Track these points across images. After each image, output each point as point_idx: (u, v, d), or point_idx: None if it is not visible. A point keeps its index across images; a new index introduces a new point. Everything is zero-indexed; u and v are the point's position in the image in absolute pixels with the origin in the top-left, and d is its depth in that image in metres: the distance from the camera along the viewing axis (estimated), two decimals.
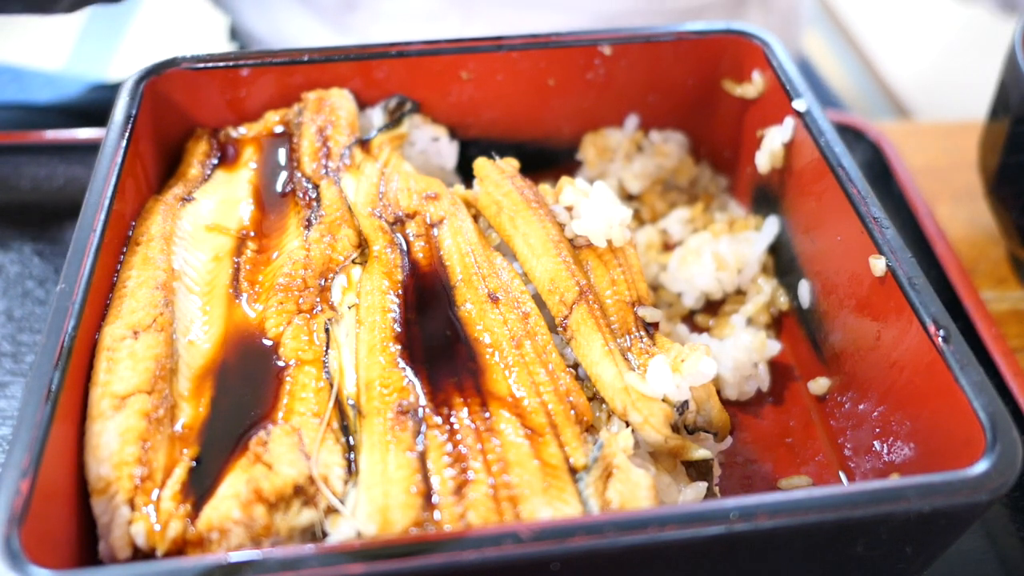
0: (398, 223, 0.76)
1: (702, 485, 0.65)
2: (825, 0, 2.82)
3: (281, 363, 0.65)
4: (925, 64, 2.56)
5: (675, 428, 0.66)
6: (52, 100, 1.26)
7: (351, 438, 0.62)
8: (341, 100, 0.84)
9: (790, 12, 1.38)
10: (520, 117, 0.91)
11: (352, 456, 0.61)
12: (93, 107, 1.20)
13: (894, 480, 0.55)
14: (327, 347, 0.66)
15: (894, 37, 2.71)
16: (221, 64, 0.83)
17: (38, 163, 1.00)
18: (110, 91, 0.78)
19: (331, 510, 0.58)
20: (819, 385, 0.78)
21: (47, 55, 2.67)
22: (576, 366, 0.70)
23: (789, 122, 0.81)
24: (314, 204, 0.77)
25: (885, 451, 0.68)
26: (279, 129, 0.84)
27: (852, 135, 1.06)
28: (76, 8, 1.04)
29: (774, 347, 0.81)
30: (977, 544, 0.72)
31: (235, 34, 1.48)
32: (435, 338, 0.67)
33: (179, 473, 0.58)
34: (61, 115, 1.21)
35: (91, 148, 0.73)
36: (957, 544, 0.60)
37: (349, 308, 0.70)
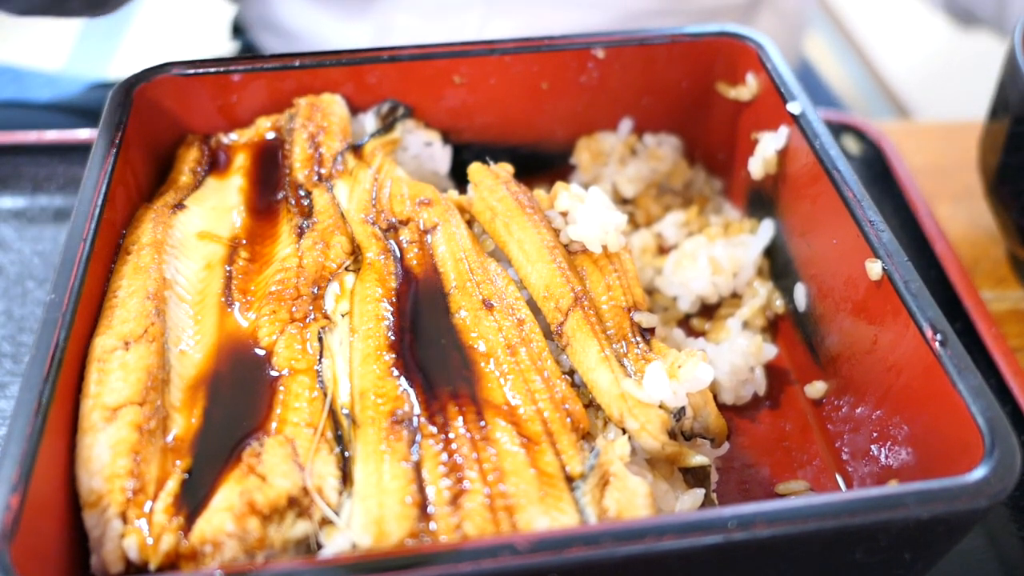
0: (391, 230, 0.75)
1: (699, 491, 0.65)
2: (825, 1, 2.82)
3: (274, 373, 0.65)
4: (925, 64, 2.56)
5: (672, 434, 0.66)
6: (52, 99, 1.25)
7: (346, 448, 0.61)
8: (333, 106, 0.84)
9: (797, 15, 1.38)
10: (513, 121, 0.91)
11: (347, 467, 0.60)
12: (93, 105, 1.20)
13: (892, 487, 0.54)
14: (320, 356, 0.66)
15: (894, 37, 2.71)
16: (212, 70, 0.82)
17: (38, 163, 1.00)
18: (110, 89, 0.79)
19: (326, 521, 0.57)
20: (816, 389, 0.78)
21: (47, 55, 2.67)
22: (572, 373, 0.69)
23: (783, 129, 0.81)
24: (307, 211, 0.76)
25: (883, 455, 0.68)
26: (271, 135, 0.84)
27: (852, 135, 1.06)
28: (120, 5, 1.04)
29: (770, 351, 0.80)
30: (977, 544, 0.72)
31: (237, 32, 1.46)
32: (429, 346, 0.67)
33: (172, 485, 0.58)
34: (61, 113, 1.20)
35: (91, 148, 0.73)
36: (957, 544, 0.60)
37: (342, 316, 0.69)
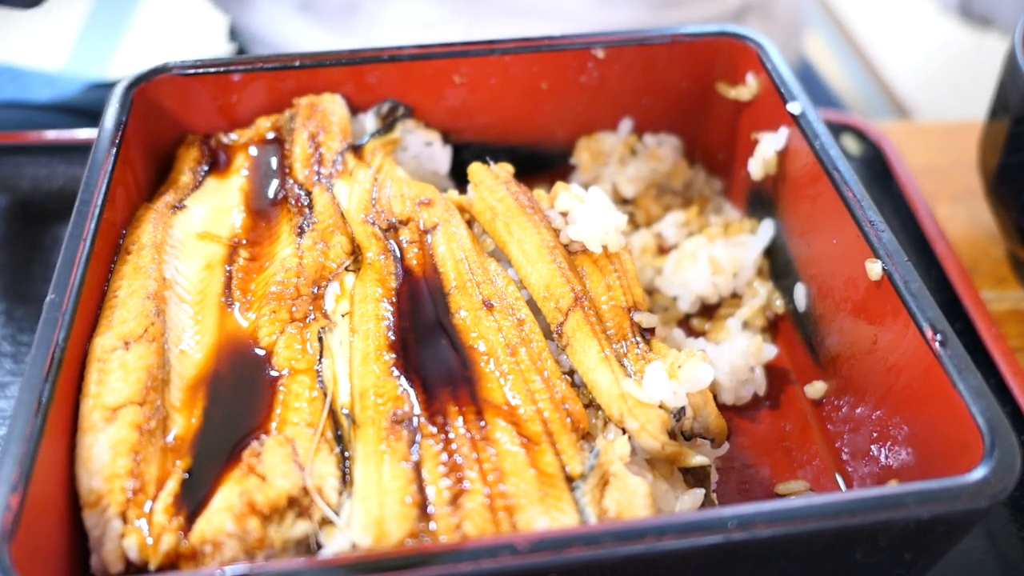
0: (391, 229, 0.75)
1: (699, 491, 0.65)
2: (825, 1, 2.82)
3: (274, 373, 0.65)
4: (925, 64, 2.56)
5: (672, 434, 0.66)
6: (52, 99, 1.25)
7: (346, 448, 0.61)
8: (333, 105, 0.84)
9: (791, 20, 1.38)
10: (513, 121, 0.91)
11: (347, 467, 0.60)
12: (93, 105, 1.19)
13: (892, 487, 0.54)
14: (320, 356, 0.66)
15: (894, 37, 2.71)
16: (212, 70, 0.82)
17: (38, 163, 0.99)
18: (110, 89, 0.79)
19: (326, 521, 0.57)
20: (816, 389, 0.78)
21: (47, 55, 2.67)
22: (572, 373, 0.69)
23: (783, 129, 0.81)
24: (306, 211, 0.76)
25: (883, 456, 0.68)
26: (271, 135, 0.84)
27: (852, 135, 1.06)
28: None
29: (770, 351, 0.80)
30: (977, 544, 0.72)
31: (234, 34, 1.46)
32: (429, 346, 0.67)
33: (172, 485, 0.58)
34: (61, 114, 1.20)
35: (91, 148, 0.73)
36: (957, 544, 0.60)
37: (342, 316, 0.69)
